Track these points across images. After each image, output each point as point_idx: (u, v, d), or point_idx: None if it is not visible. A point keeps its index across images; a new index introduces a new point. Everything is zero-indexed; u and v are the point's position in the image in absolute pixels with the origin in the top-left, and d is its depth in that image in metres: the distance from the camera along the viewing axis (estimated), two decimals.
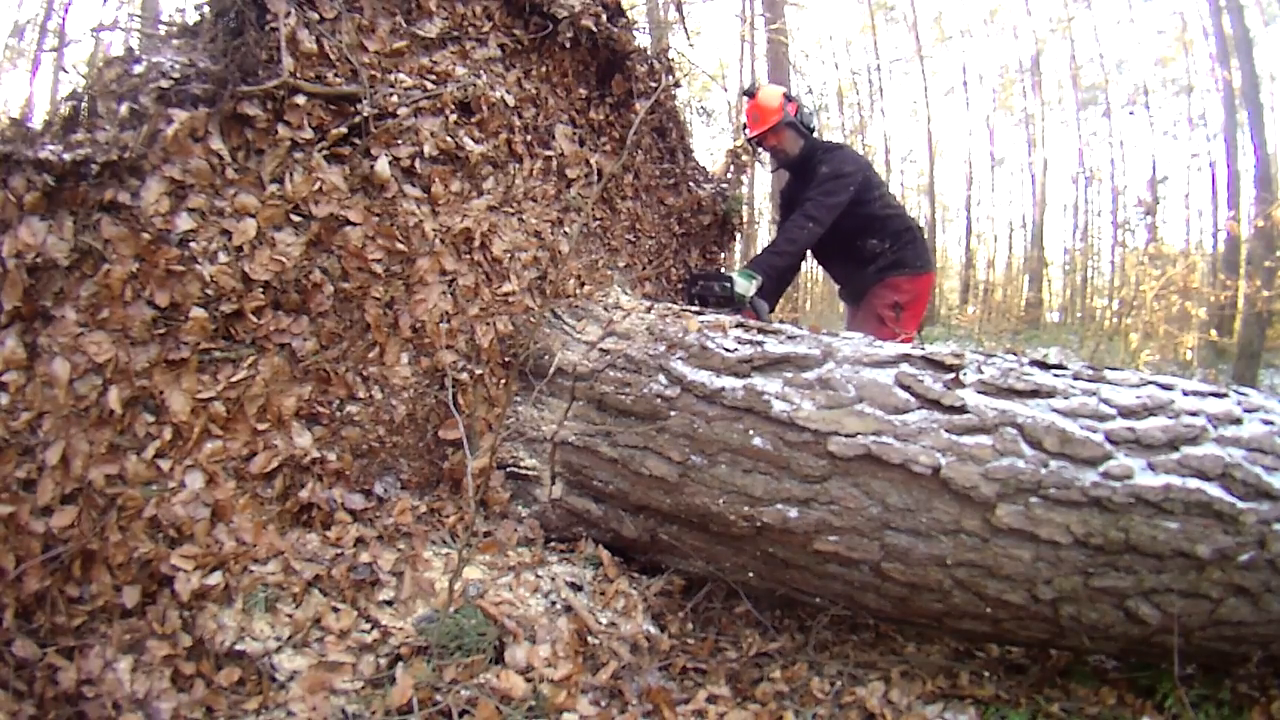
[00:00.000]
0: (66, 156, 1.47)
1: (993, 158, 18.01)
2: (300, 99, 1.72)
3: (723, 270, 3.02)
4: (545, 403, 2.03)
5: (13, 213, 1.45)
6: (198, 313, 1.58)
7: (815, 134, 2.96)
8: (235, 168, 1.66)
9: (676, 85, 2.70)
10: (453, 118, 1.98)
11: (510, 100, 2.12)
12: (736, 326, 1.95)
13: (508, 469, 2.01)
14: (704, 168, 2.94)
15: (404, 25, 1.98)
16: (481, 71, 2.09)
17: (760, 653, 1.75)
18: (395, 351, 1.87)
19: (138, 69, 1.63)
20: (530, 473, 1.99)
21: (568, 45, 2.27)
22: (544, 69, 2.28)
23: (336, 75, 1.80)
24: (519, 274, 2.10)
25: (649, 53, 2.55)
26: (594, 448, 1.88)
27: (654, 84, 2.53)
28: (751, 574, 1.76)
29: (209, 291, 1.59)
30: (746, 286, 2.59)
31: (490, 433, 1.99)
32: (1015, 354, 1.74)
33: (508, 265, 2.08)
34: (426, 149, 1.92)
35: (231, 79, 1.64)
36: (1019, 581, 1.47)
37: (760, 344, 1.83)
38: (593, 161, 2.37)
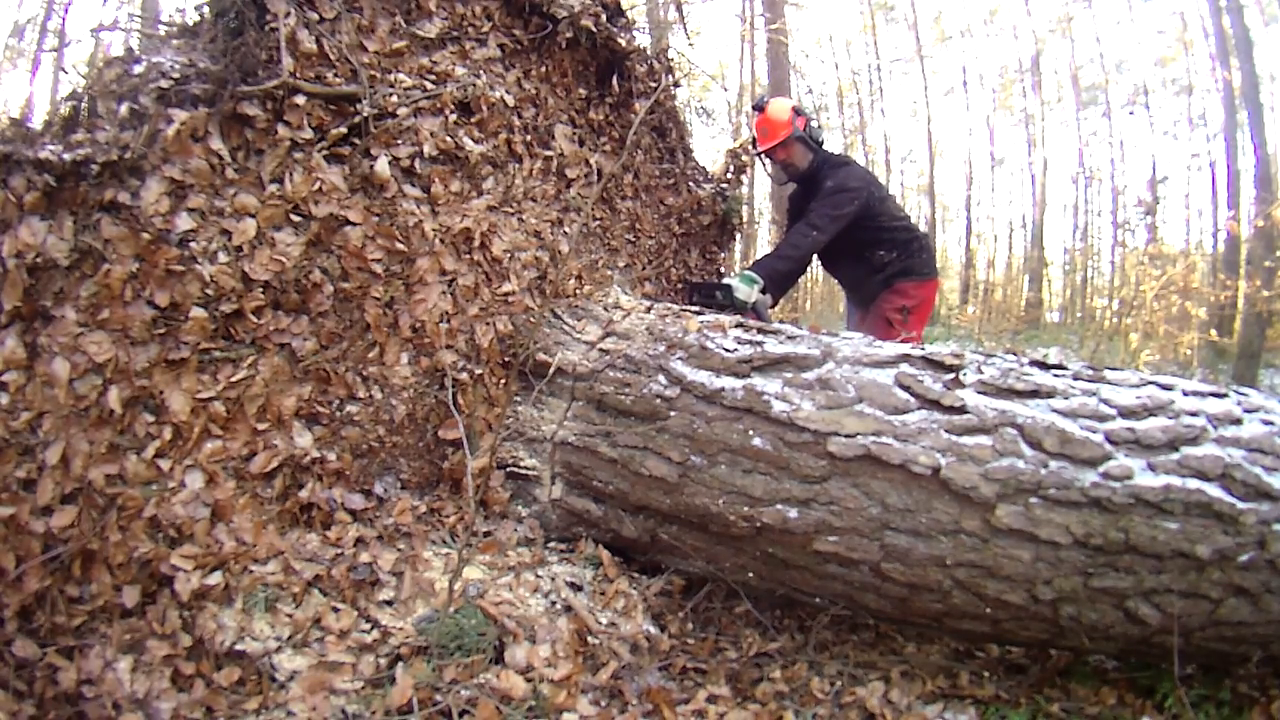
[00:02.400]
0: (66, 156, 1.47)
1: (993, 158, 18.00)
2: (300, 99, 1.72)
3: (722, 272, 3.03)
4: (545, 403, 2.03)
5: (13, 212, 1.45)
6: (198, 312, 1.58)
7: (823, 147, 3.00)
8: (235, 168, 1.66)
9: (676, 85, 2.71)
10: (452, 118, 1.98)
11: (510, 100, 2.12)
12: (736, 326, 1.95)
13: (508, 469, 2.01)
14: (704, 168, 2.94)
15: (404, 25, 1.98)
16: (481, 71, 2.09)
17: (760, 653, 1.75)
18: (395, 351, 1.87)
19: (138, 69, 1.63)
20: (530, 473, 1.99)
21: (567, 45, 2.27)
22: (544, 69, 2.28)
23: (336, 75, 1.80)
24: (519, 274, 2.10)
25: (648, 53, 2.55)
26: (594, 448, 1.88)
27: (653, 84, 2.53)
28: (751, 574, 1.76)
29: (209, 291, 1.60)
30: (747, 292, 2.60)
31: (490, 433, 1.99)
32: (1015, 354, 1.74)
33: (507, 265, 2.08)
34: (426, 149, 1.92)
35: (231, 79, 1.64)
36: (1019, 582, 1.47)
37: (760, 344, 1.83)
38: (592, 161, 2.37)
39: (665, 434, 1.77)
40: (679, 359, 1.86)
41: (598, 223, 2.42)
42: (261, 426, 1.66)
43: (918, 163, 18.27)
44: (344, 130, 1.78)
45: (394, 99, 1.86)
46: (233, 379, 1.62)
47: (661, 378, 1.85)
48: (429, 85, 1.95)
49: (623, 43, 2.39)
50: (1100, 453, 1.45)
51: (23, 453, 1.42)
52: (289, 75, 1.69)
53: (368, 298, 1.82)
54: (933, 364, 1.67)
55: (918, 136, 17.13)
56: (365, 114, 1.80)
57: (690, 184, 2.83)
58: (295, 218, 1.72)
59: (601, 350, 2.01)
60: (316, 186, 1.73)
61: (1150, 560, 1.41)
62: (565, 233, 2.24)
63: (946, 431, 1.54)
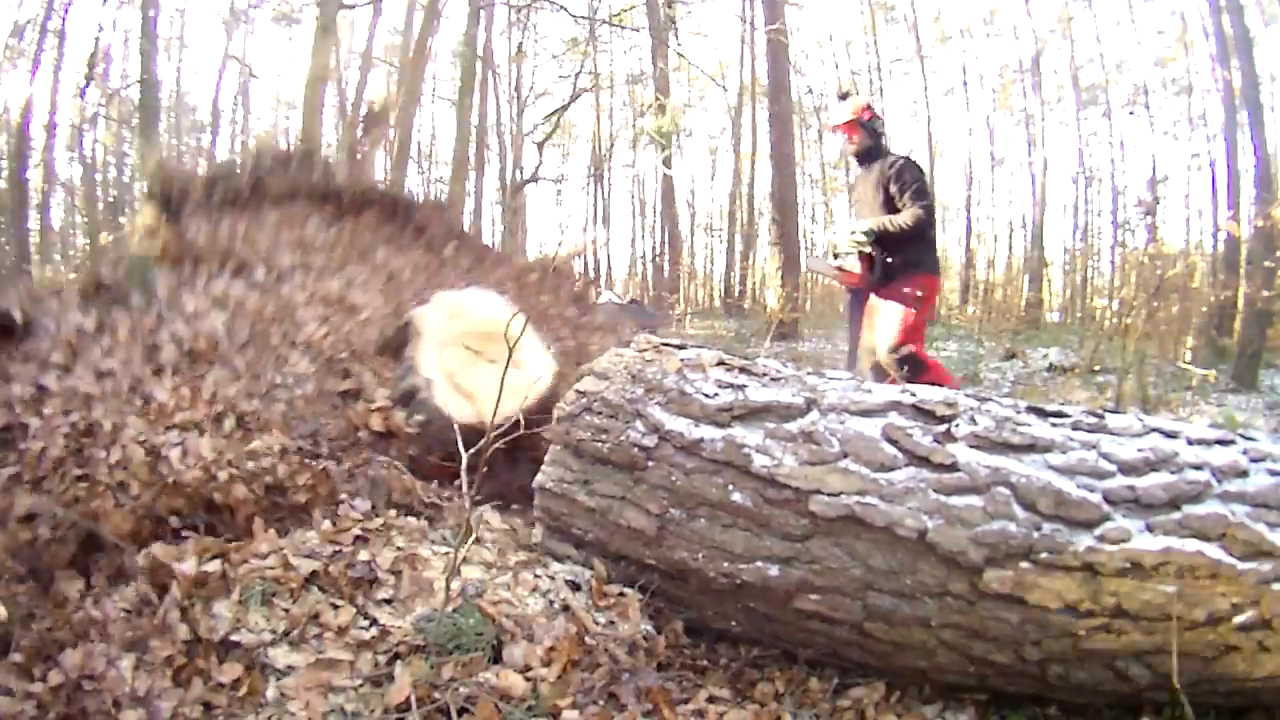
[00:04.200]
0: None
1: (993, 158, 17.85)
2: None
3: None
4: None
5: None
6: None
7: (884, 140, 3.68)
8: None
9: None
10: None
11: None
12: (717, 365, 1.89)
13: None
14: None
15: None
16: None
17: (760, 654, 1.74)
18: (297, 356, 2.41)
19: None
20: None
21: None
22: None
23: None
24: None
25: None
26: (572, 495, 1.82)
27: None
28: (734, 623, 1.73)
29: None
30: (847, 240, 3.37)
31: (381, 386, 2.42)
32: (1014, 400, 1.68)
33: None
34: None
35: None
36: (1005, 643, 1.44)
37: (742, 388, 1.76)
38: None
39: (643, 485, 1.71)
40: (657, 404, 1.78)
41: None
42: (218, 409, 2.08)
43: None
44: None
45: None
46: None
47: (639, 424, 1.77)
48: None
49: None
50: (1097, 514, 1.41)
51: None
52: None
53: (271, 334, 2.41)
54: (924, 413, 1.60)
55: (918, 136, 17.01)
56: None
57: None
58: None
59: (578, 392, 1.93)
60: None
61: (1143, 623, 1.38)
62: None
63: (935, 491, 1.49)
